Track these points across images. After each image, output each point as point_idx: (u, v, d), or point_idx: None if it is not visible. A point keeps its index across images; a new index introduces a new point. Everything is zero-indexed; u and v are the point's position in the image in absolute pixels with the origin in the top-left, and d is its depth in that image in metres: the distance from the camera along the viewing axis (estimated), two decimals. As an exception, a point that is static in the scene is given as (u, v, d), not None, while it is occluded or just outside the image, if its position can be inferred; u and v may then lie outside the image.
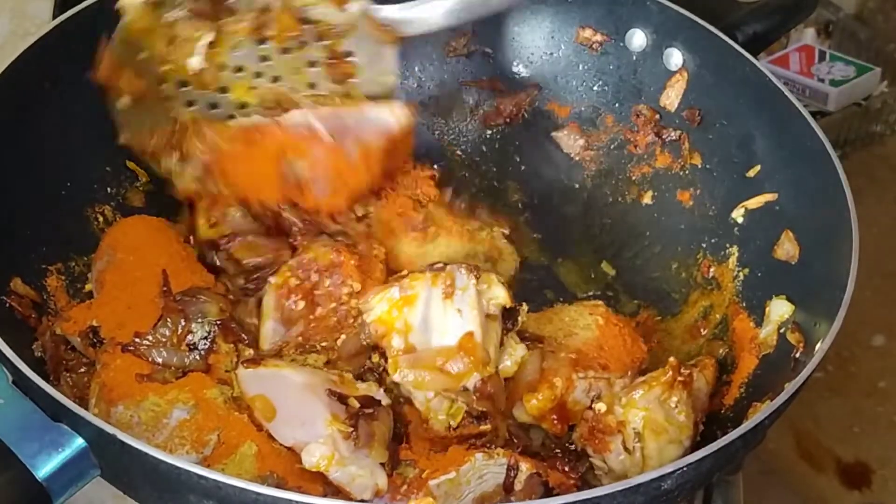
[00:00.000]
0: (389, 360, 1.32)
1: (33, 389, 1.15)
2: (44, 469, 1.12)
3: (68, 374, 1.35)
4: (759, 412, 1.21)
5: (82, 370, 1.35)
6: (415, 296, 1.34)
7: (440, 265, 1.36)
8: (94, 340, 1.34)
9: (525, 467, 1.27)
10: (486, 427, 1.32)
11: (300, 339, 1.38)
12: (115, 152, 1.57)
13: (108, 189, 1.56)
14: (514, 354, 1.39)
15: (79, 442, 1.14)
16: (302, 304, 1.38)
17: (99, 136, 1.53)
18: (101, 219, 1.54)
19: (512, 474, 1.26)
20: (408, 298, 1.34)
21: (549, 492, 1.27)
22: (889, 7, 2.51)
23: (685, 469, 1.12)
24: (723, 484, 1.51)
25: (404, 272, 1.38)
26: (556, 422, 1.37)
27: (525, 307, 1.43)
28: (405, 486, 1.25)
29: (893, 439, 1.87)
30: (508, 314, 1.40)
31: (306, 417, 1.25)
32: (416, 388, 1.31)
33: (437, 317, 1.33)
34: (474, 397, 1.32)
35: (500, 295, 1.37)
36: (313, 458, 1.21)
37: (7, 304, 1.33)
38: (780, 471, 1.82)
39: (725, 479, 1.52)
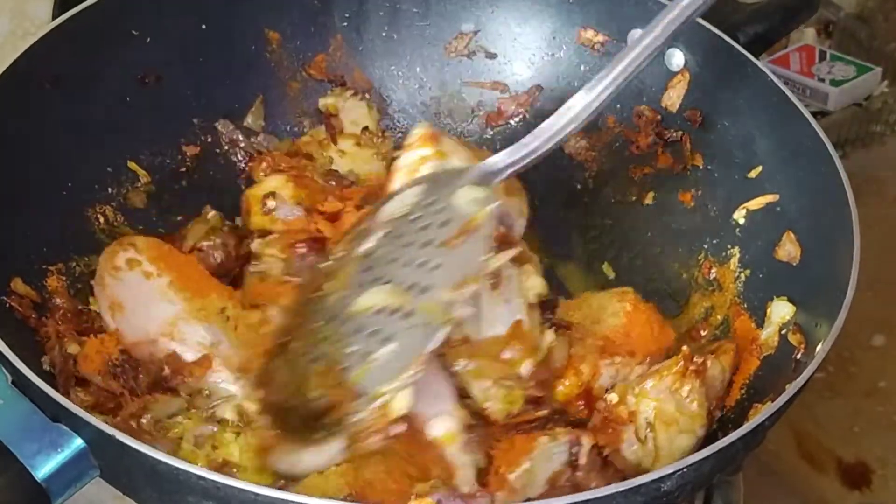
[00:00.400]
0: (448, 351, 1.33)
1: (32, 390, 1.15)
2: (43, 469, 1.12)
3: (78, 389, 1.33)
4: (760, 413, 1.20)
5: (92, 388, 1.34)
6: None
7: None
8: (118, 372, 1.34)
9: (586, 440, 1.31)
10: (542, 412, 1.35)
11: None
12: (116, 152, 1.58)
13: (109, 189, 1.56)
14: (543, 341, 1.41)
15: (78, 442, 1.14)
16: None
17: (99, 136, 1.54)
18: (101, 219, 1.54)
19: (575, 450, 1.29)
20: None
21: (605, 462, 1.32)
22: (889, 7, 2.50)
23: (685, 470, 1.12)
24: (723, 485, 1.51)
25: None
26: (582, 408, 1.39)
27: (563, 299, 1.47)
28: (487, 485, 1.26)
29: (894, 439, 1.86)
30: (546, 305, 1.44)
31: (440, 392, 1.28)
32: (475, 377, 1.33)
33: (487, 307, 1.35)
34: (531, 384, 1.35)
35: (537, 284, 1.41)
36: (440, 430, 1.25)
37: (7, 305, 1.33)
38: (780, 471, 1.82)
39: (726, 479, 1.51)
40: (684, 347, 1.38)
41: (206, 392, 1.33)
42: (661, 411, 1.32)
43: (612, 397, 1.35)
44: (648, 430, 1.33)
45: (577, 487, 1.29)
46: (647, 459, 1.33)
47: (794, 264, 1.47)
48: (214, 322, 1.39)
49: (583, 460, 1.30)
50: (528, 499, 1.26)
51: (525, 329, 1.37)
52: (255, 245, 1.47)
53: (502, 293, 1.37)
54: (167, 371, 1.34)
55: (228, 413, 1.31)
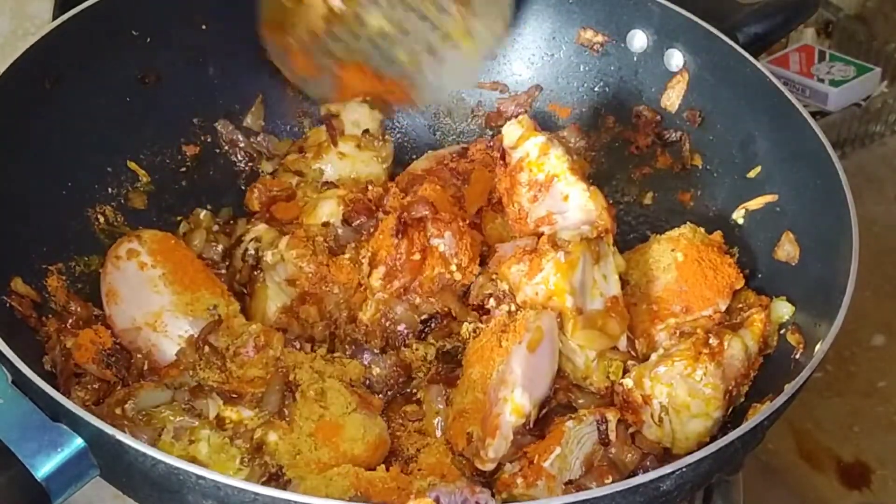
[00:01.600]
0: (569, 322, 1.37)
1: (33, 389, 1.15)
2: (43, 469, 1.12)
3: (79, 388, 1.34)
4: (759, 413, 1.21)
5: (96, 386, 1.35)
6: (576, 259, 1.38)
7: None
8: (111, 361, 1.36)
9: (611, 416, 1.33)
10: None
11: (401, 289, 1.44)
12: (116, 152, 1.58)
13: (109, 189, 1.57)
14: None
15: (78, 442, 1.14)
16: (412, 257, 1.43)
17: (100, 136, 1.54)
18: (101, 219, 1.54)
19: (602, 428, 1.32)
20: (572, 262, 1.38)
21: (633, 438, 1.35)
22: (889, 7, 2.50)
23: (684, 470, 1.13)
24: (723, 484, 1.51)
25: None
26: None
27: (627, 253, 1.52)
28: (522, 479, 1.28)
29: (893, 439, 1.86)
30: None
31: (542, 372, 1.35)
32: (584, 347, 1.38)
33: (589, 281, 1.39)
34: (630, 354, 1.41)
35: (621, 263, 1.45)
36: (519, 398, 1.30)
37: (7, 304, 1.33)
38: (779, 471, 1.82)
39: (725, 479, 1.52)
40: (698, 330, 1.39)
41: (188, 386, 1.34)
42: (673, 396, 1.34)
43: (627, 382, 1.37)
44: (663, 413, 1.34)
45: (613, 465, 1.31)
46: (667, 440, 1.35)
47: (794, 264, 1.48)
48: (201, 317, 1.41)
49: (613, 436, 1.32)
50: (567, 482, 1.29)
51: (621, 304, 1.41)
52: (270, 257, 1.48)
53: (601, 269, 1.40)
54: (146, 367, 1.38)
55: (211, 410, 1.31)
